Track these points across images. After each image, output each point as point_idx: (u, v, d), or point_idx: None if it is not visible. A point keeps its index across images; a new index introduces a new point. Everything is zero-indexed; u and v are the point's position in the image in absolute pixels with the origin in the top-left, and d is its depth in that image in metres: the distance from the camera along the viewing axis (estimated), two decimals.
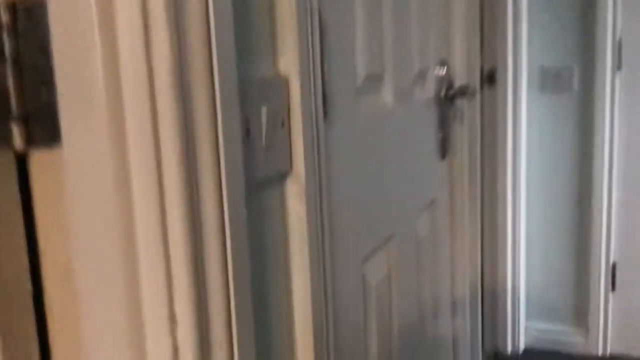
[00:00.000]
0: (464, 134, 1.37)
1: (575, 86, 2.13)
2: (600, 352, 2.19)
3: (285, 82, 0.58)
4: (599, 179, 2.11)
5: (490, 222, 2.20)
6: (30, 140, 0.45)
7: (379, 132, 0.89)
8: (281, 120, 0.57)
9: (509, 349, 2.25)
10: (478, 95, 1.59)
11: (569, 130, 2.15)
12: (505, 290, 2.22)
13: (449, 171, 1.31)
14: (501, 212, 2.18)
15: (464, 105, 1.45)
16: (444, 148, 1.24)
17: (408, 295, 1.04)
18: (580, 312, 2.21)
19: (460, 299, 1.49)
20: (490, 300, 2.25)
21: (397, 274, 0.97)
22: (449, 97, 1.30)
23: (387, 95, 0.92)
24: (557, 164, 2.18)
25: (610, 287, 2.17)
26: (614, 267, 2.16)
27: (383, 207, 0.90)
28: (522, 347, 2.27)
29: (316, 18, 0.63)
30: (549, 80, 2.16)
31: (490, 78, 2.17)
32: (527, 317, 2.28)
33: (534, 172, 2.21)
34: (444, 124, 1.24)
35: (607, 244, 2.14)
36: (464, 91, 1.37)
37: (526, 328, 2.28)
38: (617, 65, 2.09)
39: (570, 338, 2.23)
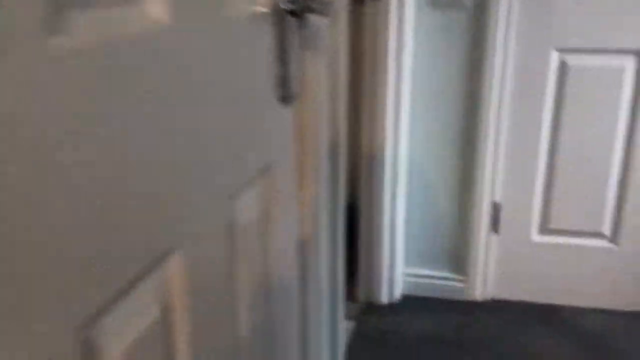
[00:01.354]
0: (320, 67, 1.01)
1: (467, 2, 1.81)
2: (479, 298, 2.03)
3: None
4: (486, 109, 1.85)
5: (369, 160, 1.91)
6: None
7: (137, 70, 0.52)
8: None
9: (385, 298, 2.04)
10: (345, 12, 1.22)
11: (459, 52, 1.86)
12: (381, 235, 1.97)
13: (297, 123, 0.95)
14: (379, 150, 1.89)
15: (324, 25, 1.07)
16: (286, 90, 0.89)
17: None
18: (460, 257, 2.02)
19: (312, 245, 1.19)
20: (365, 246, 2.00)
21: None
22: (297, 12, 0.92)
23: (155, 3, 0.53)
24: (443, 93, 1.90)
25: (492, 229, 1.98)
26: (497, 208, 1.96)
27: (144, 206, 0.54)
28: (399, 295, 2.07)
29: None
30: None
31: None
32: (406, 264, 2.06)
33: (418, 103, 1.91)
34: (285, 53, 0.88)
35: (492, 181, 1.92)
36: (322, 4, 0.99)
37: (404, 275, 2.07)
38: None
39: (449, 283, 2.04)
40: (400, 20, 1.81)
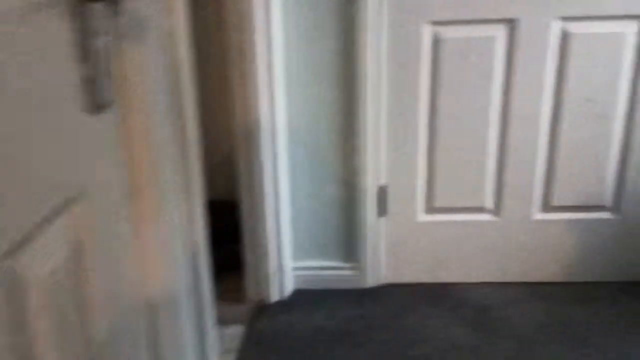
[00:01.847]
0: (147, 61, 0.85)
1: None
2: (372, 284, 1.97)
3: None
4: (363, 86, 1.77)
5: (246, 152, 1.78)
6: None
7: None
8: None
9: (276, 295, 1.93)
10: None
11: (332, 30, 1.75)
12: (265, 230, 1.85)
13: (122, 133, 0.79)
14: (256, 140, 1.76)
15: (152, 7, 0.92)
16: (98, 95, 0.73)
17: None
18: (350, 244, 1.95)
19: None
20: (250, 244, 1.88)
21: None
22: None
23: None
24: (320, 73, 1.79)
25: (379, 213, 1.91)
26: (383, 191, 1.90)
27: None
28: (290, 291, 1.97)
29: None
30: None
31: None
32: (295, 257, 1.96)
33: (294, 87, 1.80)
34: (90, 50, 0.72)
35: (376, 164, 1.85)
36: None
37: (294, 269, 1.97)
38: None
39: (341, 273, 1.97)
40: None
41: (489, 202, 1.92)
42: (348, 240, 1.94)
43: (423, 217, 1.94)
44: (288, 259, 1.94)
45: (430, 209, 1.93)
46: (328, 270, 1.97)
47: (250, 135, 1.76)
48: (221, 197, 1.87)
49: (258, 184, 1.80)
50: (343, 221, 1.92)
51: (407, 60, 1.79)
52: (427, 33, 1.77)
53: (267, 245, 1.87)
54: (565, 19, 1.74)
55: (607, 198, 1.90)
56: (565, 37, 1.76)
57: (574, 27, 1.75)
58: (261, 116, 1.75)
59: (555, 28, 1.75)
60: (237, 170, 1.82)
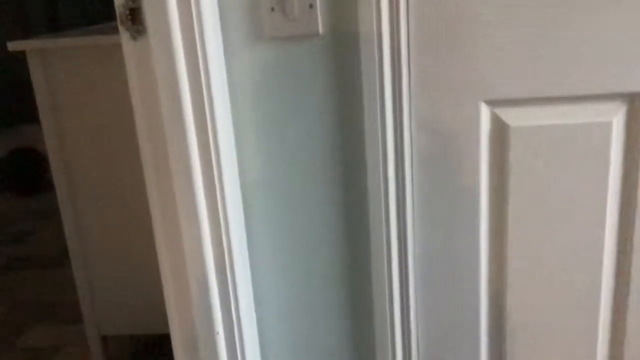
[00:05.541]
0: None
1: (319, 28, 1.00)
2: None
3: None
4: (375, 203, 1.04)
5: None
6: None
7: None
8: None
9: None
10: None
11: (313, 107, 1.04)
12: None
13: None
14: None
15: None
16: None
17: None
18: None
19: None
20: None
21: None
22: None
23: None
24: (301, 188, 1.08)
25: None
26: None
27: None
28: None
29: None
30: None
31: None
32: None
33: (257, 217, 1.09)
34: None
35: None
36: None
37: None
38: None
39: None
40: (196, 67, 0.98)
41: None
42: None
43: None
44: None
45: None
46: None
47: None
48: None
49: None
50: None
51: (449, 164, 1.03)
52: (485, 117, 1.02)
53: None
54: None
55: None
56: None
57: None
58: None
59: None
60: None
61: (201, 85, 1.00)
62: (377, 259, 1.08)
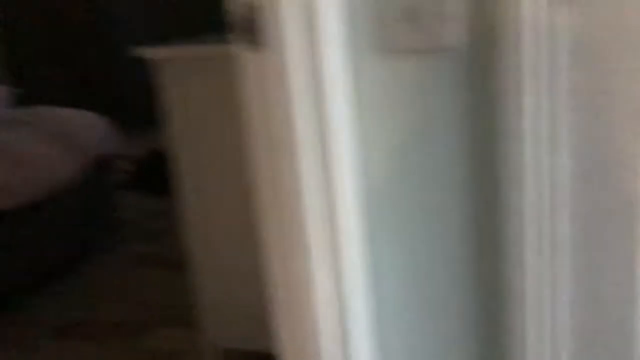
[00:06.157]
0: None
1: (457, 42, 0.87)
2: None
3: None
4: (518, 256, 0.88)
5: None
6: None
7: None
8: None
9: None
10: None
11: (449, 134, 0.90)
12: None
13: None
14: None
15: None
16: None
17: None
18: None
19: None
20: None
21: None
22: None
23: None
24: (431, 215, 0.95)
25: None
26: None
27: None
28: None
29: None
30: None
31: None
32: None
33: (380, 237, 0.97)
34: None
35: None
36: None
37: None
38: None
39: None
40: (318, 81, 0.88)
41: None
42: None
43: None
44: None
45: None
46: None
47: None
48: None
49: None
50: None
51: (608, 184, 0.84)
52: None
53: None
54: None
55: None
56: None
57: None
58: None
59: None
60: None
61: (321, 100, 0.90)
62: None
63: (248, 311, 1.96)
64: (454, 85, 0.87)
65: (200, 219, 2.01)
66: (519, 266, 0.89)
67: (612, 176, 0.84)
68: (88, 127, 3.09)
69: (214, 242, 2.01)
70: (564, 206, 0.86)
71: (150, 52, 1.86)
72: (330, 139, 0.90)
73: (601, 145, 0.84)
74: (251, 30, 0.92)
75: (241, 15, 0.92)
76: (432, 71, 0.87)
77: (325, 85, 0.85)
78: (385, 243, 0.97)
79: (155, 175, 3.64)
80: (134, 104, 4.19)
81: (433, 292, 0.97)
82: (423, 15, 0.85)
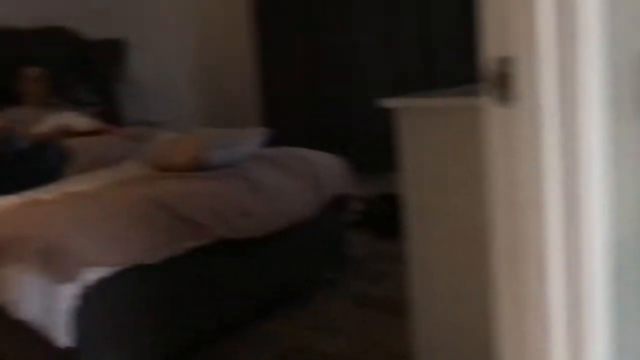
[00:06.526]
0: None
1: None
2: None
3: None
4: None
5: None
6: None
7: None
8: None
9: None
10: None
11: None
12: None
13: None
14: None
15: None
16: None
17: None
18: None
19: None
20: None
21: None
22: None
23: None
24: None
25: None
26: None
27: None
28: None
29: None
30: None
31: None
32: None
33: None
34: None
35: None
36: None
37: None
38: None
39: None
40: (570, 142, 0.83)
41: None
42: None
43: None
44: None
45: None
46: None
47: None
48: None
49: None
50: None
51: None
52: None
53: None
54: None
55: None
56: None
57: None
58: None
59: None
60: None
61: (574, 159, 0.85)
62: None
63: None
64: None
65: (424, 266, 2.01)
66: None
67: None
68: (329, 168, 3.32)
69: (436, 291, 1.99)
70: None
71: (392, 102, 1.95)
72: (580, 198, 0.85)
73: None
74: (502, 84, 0.91)
75: (493, 68, 0.92)
76: None
77: (581, 143, 0.81)
78: (634, 310, 0.87)
79: (385, 217, 3.75)
80: (371, 148, 4.38)
81: None
82: None
